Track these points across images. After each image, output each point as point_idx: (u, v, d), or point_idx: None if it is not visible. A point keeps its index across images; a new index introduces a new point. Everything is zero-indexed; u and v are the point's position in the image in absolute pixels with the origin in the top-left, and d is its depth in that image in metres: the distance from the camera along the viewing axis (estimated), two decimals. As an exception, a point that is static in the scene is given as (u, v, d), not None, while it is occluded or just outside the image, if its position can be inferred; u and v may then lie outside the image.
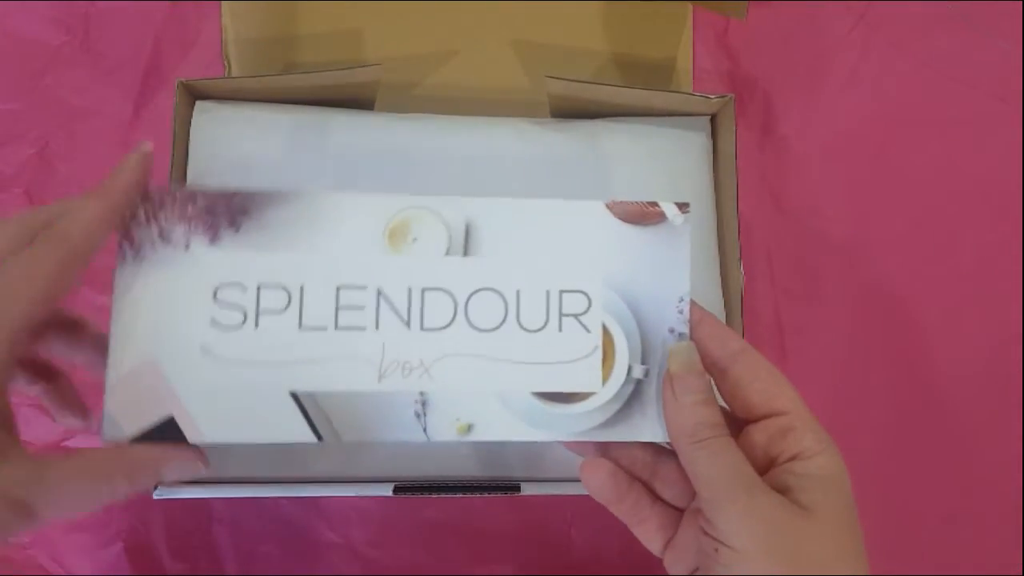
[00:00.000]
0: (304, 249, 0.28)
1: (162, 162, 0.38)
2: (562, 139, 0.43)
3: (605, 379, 0.28)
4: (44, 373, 0.30)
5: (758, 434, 0.27)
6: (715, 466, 0.25)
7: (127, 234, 0.27)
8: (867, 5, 0.52)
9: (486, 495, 0.38)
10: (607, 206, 0.29)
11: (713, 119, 0.44)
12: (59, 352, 0.29)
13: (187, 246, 0.27)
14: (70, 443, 0.43)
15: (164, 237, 0.27)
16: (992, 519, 0.47)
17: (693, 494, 0.28)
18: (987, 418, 0.48)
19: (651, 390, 0.28)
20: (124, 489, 0.25)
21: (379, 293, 0.28)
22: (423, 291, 0.28)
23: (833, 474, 0.26)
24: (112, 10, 0.48)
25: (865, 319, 0.49)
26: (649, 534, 0.29)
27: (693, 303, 0.29)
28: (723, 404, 0.28)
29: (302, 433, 0.27)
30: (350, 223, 0.28)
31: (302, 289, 0.28)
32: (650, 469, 0.29)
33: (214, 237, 0.28)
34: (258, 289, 0.27)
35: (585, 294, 0.28)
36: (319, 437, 0.27)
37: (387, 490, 0.37)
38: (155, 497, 0.37)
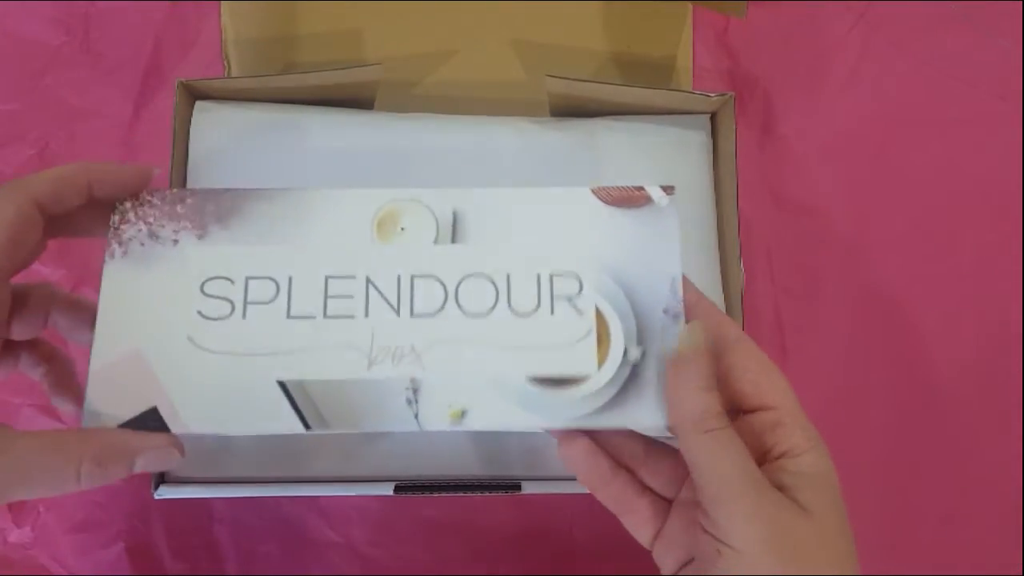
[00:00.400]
0: (292, 242, 0.28)
1: (162, 162, 0.38)
2: (562, 138, 0.43)
3: (601, 362, 0.27)
4: (47, 356, 0.30)
5: (747, 426, 0.26)
6: (722, 460, 0.24)
7: (116, 233, 0.28)
8: (867, 4, 0.52)
9: (487, 494, 0.38)
10: (593, 192, 0.29)
11: (713, 118, 0.44)
12: (64, 331, 0.30)
13: (175, 242, 0.28)
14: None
15: (153, 235, 0.28)
16: (991, 519, 0.47)
17: (682, 484, 0.28)
18: (986, 417, 0.48)
19: (648, 373, 0.27)
20: (94, 473, 0.25)
21: (368, 282, 0.28)
22: (412, 278, 0.28)
23: (823, 473, 0.25)
24: (112, 10, 0.48)
25: (865, 317, 0.49)
26: (637, 524, 0.28)
27: (688, 283, 0.28)
28: None
29: (289, 422, 0.27)
30: (338, 216, 0.29)
31: (290, 280, 0.28)
32: (638, 458, 0.29)
33: (202, 234, 0.28)
34: (246, 281, 0.28)
35: (576, 276, 0.28)
36: (307, 426, 0.27)
37: (388, 489, 0.38)
38: (156, 497, 0.37)
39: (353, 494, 0.40)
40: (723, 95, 0.41)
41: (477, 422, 0.27)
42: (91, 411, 0.26)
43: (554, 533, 0.44)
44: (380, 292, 0.28)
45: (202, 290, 0.28)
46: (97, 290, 0.27)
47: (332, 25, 0.47)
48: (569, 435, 0.28)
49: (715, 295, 0.42)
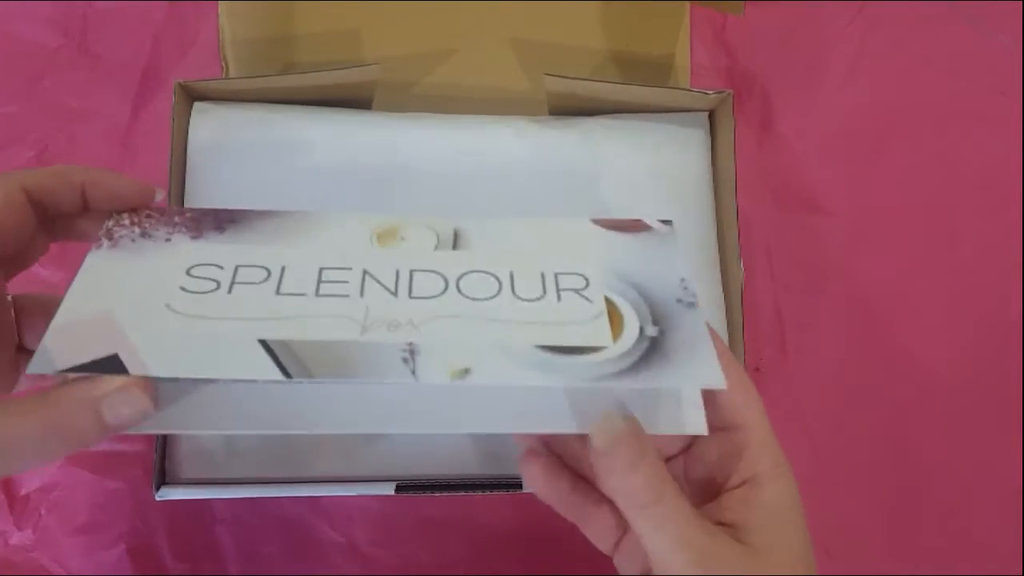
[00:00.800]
0: (289, 246, 0.28)
1: (161, 162, 0.38)
2: (561, 137, 0.43)
3: (616, 338, 0.25)
4: None
5: (711, 447, 0.26)
6: (657, 536, 0.24)
7: (107, 232, 0.27)
8: (864, 2, 0.52)
9: (488, 492, 0.38)
10: (593, 220, 0.29)
11: (711, 115, 0.44)
12: None
13: (168, 240, 0.27)
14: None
15: (145, 235, 0.27)
16: (991, 518, 0.47)
17: None
18: (986, 414, 0.48)
19: (671, 343, 0.25)
20: (60, 434, 0.22)
21: (365, 272, 0.26)
22: (412, 272, 0.27)
23: (787, 506, 0.25)
24: (110, 11, 0.48)
25: (865, 314, 0.49)
26: (597, 533, 0.28)
27: None
28: None
29: (266, 370, 0.23)
30: (337, 229, 0.28)
31: (283, 269, 0.26)
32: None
33: (197, 236, 0.28)
34: (235, 268, 0.26)
35: (582, 275, 0.27)
36: (287, 374, 0.23)
37: (389, 488, 0.38)
38: (157, 499, 0.37)
39: (354, 494, 0.40)
40: (721, 93, 0.41)
41: (481, 379, 0.24)
42: (43, 355, 0.23)
43: (556, 531, 0.44)
44: (377, 279, 0.26)
45: (188, 272, 0.26)
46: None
47: (330, 25, 0.47)
48: (530, 453, 0.28)
49: (715, 293, 0.42)
